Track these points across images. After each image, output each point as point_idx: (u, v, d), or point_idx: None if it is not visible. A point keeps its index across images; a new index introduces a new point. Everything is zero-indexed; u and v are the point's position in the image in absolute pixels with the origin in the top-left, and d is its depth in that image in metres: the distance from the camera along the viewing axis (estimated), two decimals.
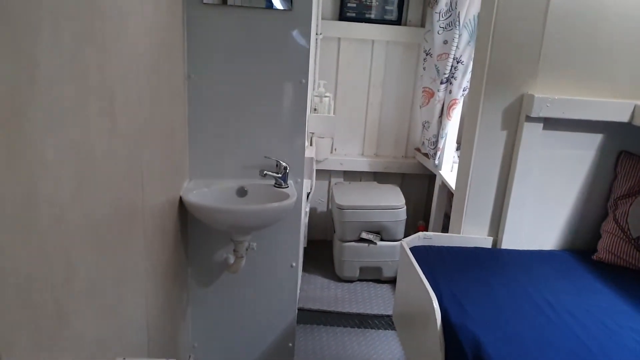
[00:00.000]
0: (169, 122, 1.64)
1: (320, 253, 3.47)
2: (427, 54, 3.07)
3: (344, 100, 3.42)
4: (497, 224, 2.05)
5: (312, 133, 2.34)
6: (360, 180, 3.66)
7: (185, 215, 1.93)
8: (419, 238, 2.01)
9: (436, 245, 2.00)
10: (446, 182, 2.81)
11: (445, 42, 2.83)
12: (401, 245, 1.92)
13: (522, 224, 2.00)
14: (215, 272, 2.20)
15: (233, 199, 2.00)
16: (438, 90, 2.88)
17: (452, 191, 2.63)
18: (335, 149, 3.57)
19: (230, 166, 2.04)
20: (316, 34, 2.88)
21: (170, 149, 1.69)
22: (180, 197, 1.85)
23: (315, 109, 2.38)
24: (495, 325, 1.43)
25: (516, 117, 1.92)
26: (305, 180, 2.18)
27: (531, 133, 1.89)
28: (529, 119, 1.86)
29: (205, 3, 1.83)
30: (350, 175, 3.64)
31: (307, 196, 3.33)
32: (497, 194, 2.02)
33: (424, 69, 3.12)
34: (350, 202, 2.99)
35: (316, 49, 2.95)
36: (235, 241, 1.97)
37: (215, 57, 1.90)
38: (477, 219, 2.05)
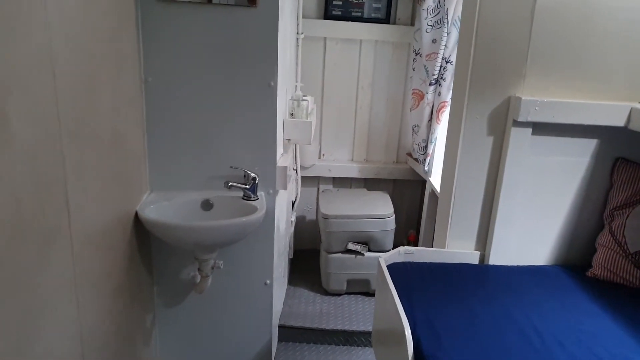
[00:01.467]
0: (115, 129, 1.51)
1: (307, 264, 3.33)
2: (416, 54, 2.93)
3: (331, 104, 3.29)
4: (484, 238, 1.91)
5: (288, 139, 2.20)
6: (351, 187, 3.53)
7: (146, 230, 1.80)
8: (400, 253, 1.87)
9: (418, 261, 1.86)
10: (435, 189, 2.67)
11: (434, 40, 2.69)
12: (378, 262, 1.78)
13: (510, 237, 1.86)
14: (184, 291, 2.07)
15: (197, 213, 1.87)
16: (427, 92, 2.74)
17: None
18: (324, 155, 3.44)
19: (195, 177, 1.91)
20: (297, 33, 2.75)
21: (119, 160, 1.56)
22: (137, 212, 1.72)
23: (292, 114, 2.25)
24: (473, 358, 1.29)
25: (503, 121, 1.78)
26: (281, 191, 2.05)
27: (519, 139, 1.75)
28: (516, 123, 1.72)
29: (160, 0, 1.70)
30: (340, 182, 3.50)
31: (293, 205, 3.20)
32: (484, 204, 1.88)
33: (414, 69, 2.98)
34: (335, 211, 2.85)
35: (297, 49, 2.82)
36: (200, 259, 1.84)
37: (174, 59, 1.78)
38: (463, 232, 1.91)
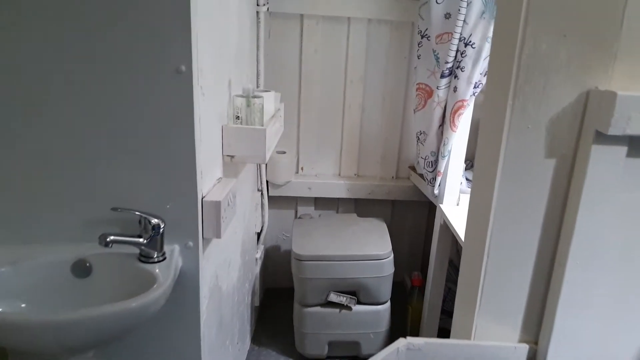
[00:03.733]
0: None
1: (279, 311, 2.63)
2: (422, 36, 2.22)
3: (311, 103, 2.59)
4: (537, 321, 1.21)
5: (231, 157, 1.50)
6: (337, 211, 2.82)
7: None
8: (399, 352, 1.17)
9: None
10: (449, 222, 1.96)
11: (448, 15, 1.98)
12: None
13: (583, 321, 1.16)
14: None
15: (66, 282, 1.17)
16: (438, 88, 2.03)
17: (459, 239, 1.79)
18: (302, 169, 2.73)
19: (63, 222, 1.21)
20: (257, 4, 2.05)
21: None
22: None
23: (238, 117, 1.54)
24: None
25: (574, 134, 1.07)
26: (232, 230, 1.34)
27: (605, 163, 1.04)
28: (602, 137, 1.01)
29: None
30: (324, 203, 2.80)
31: (258, 237, 2.49)
32: (538, 268, 1.18)
33: (419, 57, 2.27)
34: (312, 249, 2.15)
35: (258, 27, 2.11)
36: None
37: (12, 30, 1.07)
38: (502, 311, 1.21)
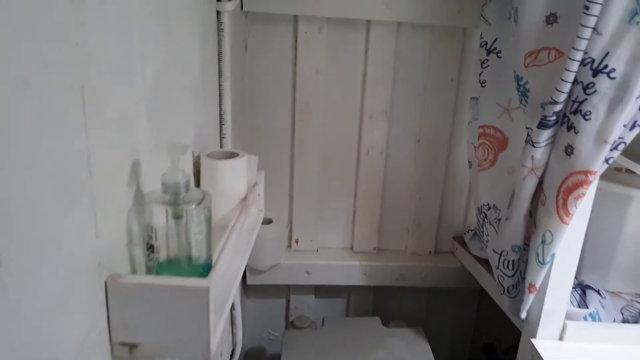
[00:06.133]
0: None
1: None
2: (489, 51, 1.40)
3: (309, 147, 1.76)
4: None
5: (132, 346, 0.66)
6: (349, 301, 1.99)
7: None
8: None
9: None
10: None
11: (552, 19, 1.14)
12: None
13: None
14: None
15: None
16: (534, 144, 1.18)
17: None
18: (297, 241, 1.89)
19: None
20: None
21: None
22: None
23: (151, 248, 0.70)
24: None
25: None
26: None
27: None
28: None
29: None
30: (328, 293, 1.97)
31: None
32: None
33: (483, 83, 1.44)
34: None
35: (220, 37, 1.27)
36: None
37: None
38: None
